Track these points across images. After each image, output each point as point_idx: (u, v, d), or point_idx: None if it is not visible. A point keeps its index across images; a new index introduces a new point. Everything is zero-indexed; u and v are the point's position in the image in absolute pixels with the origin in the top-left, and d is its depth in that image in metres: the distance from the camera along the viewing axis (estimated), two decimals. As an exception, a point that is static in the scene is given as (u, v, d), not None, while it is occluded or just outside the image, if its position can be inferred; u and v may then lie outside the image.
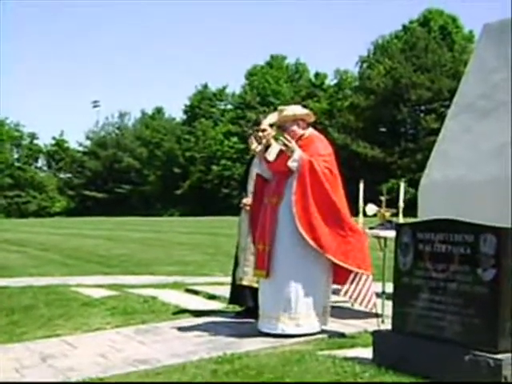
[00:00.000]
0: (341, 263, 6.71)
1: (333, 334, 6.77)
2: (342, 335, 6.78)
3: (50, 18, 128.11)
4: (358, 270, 6.73)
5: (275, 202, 6.92)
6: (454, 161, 8.72)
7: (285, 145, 6.84)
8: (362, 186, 7.84)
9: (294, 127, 7.07)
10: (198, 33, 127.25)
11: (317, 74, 78.49)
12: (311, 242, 6.62)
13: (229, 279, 8.44)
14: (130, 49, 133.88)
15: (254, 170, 7.91)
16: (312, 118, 7.20)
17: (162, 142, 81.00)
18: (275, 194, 6.93)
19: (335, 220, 6.74)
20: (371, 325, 6.89)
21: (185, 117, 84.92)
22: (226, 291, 8.56)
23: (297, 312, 6.75)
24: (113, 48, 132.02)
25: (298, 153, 6.78)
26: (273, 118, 7.33)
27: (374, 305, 6.80)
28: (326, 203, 6.73)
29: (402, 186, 7.87)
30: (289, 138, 6.87)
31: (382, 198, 7.78)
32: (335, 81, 75.34)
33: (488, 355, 4.63)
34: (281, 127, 7.26)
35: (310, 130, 7.18)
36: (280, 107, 7.40)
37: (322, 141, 7.13)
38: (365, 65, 68.99)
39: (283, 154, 7.04)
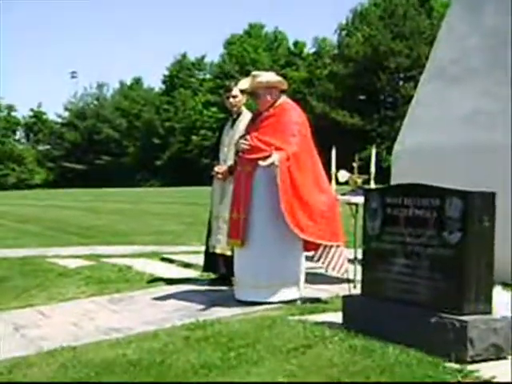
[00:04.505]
0: (317, 241, 6.75)
1: (305, 300, 6.82)
2: (314, 300, 6.83)
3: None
4: (332, 243, 6.77)
5: (249, 170, 6.91)
6: (425, 127, 8.74)
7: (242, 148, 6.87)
8: (333, 152, 7.83)
9: (267, 95, 7.03)
10: (176, 2, 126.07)
11: (295, 43, 78.33)
12: (294, 229, 6.64)
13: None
14: (108, 18, 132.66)
15: (226, 138, 7.92)
16: (285, 86, 7.15)
17: (141, 113, 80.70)
18: (249, 162, 6.92)
19: (309, 204, 6.75)
20: (343, 290, 6.93)
21: (164, 87, 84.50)
22: (201, 259, 8.57)
23: (274, 280, 6.79)
24: (90, 18, 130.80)
25: (276, 160, 6.66)
26: (245, 83, 7.27)
27: (346, 270, 6.84)
28: (300, 191, 6.74)
29: (374, 151, 7.87)
30: (266, 162, 6.70)
31: (354, 165, 7.80)
32: (314, 49, 75.31)
33: (454, 317, 4.68)
34: (253, 94, 7.23)
35: (284, 98, 7.14)
36: (253, 72, 7.33)
37: (295, 109, 7.10)
38: (344, 33, 68.81)
39: (252, 125, 7.07)
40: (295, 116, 7.00)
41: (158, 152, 76.54)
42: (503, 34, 8.22)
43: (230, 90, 7.90)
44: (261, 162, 6.68)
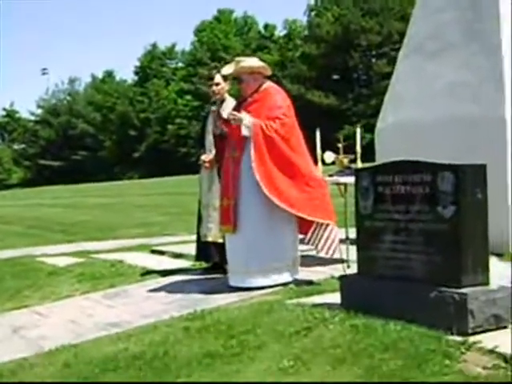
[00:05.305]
0: (308, 217, 6.77)
1: (300, 282, 6.84)
2: (310, 283, 6.85)
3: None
4: (324, 221, 6.79)
5: (237, 156, 6.90)
6: (407, 103, 8.77)
7: (233, 119, 6.84)
8: (318, 134, 7.84)
9: (250, 80, 7.03)
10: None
11: (266, 26, 78.20)
12: (279, 204, 6.65)
13: (194, 237, 8.44)
14: (76, 12, 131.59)
15: (211, 126, 7.91)
16: (269, 71, 7.14)
17: (115, 106, 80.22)
18: (237, 147, 6.91)
19: (297, 177, 6.77)
20: (338, 271, 6.94)
21: (136, 78, 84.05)
22: (191, 249, 8.59)
23: (267, 264, 6.79)
24: (57, 13, 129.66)
25: (247, 119, 6.74)
26: (229, 68, 7.27)
27: (338, 250, 6.85)
28: (285, 163, 6.75)
29: (359, 131, 7.90)
30: (232, 112, 6.86)
31: (339, 145, 7.82)
32: (285, 31, 75.14)
33: (453, 290, 4.72)
34: (237, 79, 7.24)
35: (268, 83, 7.14)
36: (237, 58, 7.34)
37: (279, 92, 7.11)
38: (313, 13, 68.74)
39: (238, 111, 7.05)
40: (280, 100, 7.01)
41: (135, 144, 76.25)
42: (478, 7, 8.25)
43: (212, 78, 7.90)
44: (229, 113, 6.81)
